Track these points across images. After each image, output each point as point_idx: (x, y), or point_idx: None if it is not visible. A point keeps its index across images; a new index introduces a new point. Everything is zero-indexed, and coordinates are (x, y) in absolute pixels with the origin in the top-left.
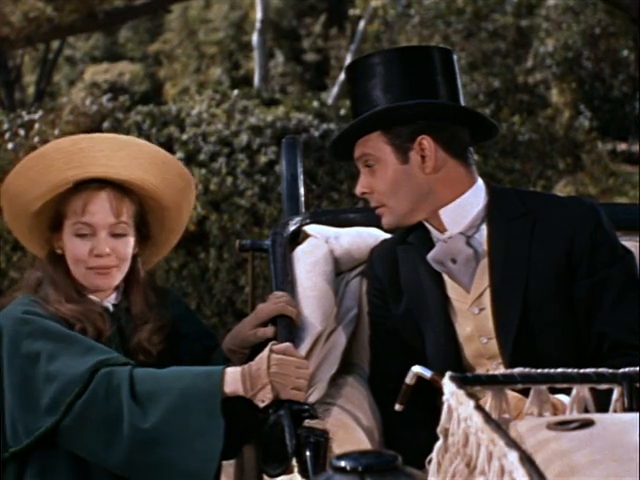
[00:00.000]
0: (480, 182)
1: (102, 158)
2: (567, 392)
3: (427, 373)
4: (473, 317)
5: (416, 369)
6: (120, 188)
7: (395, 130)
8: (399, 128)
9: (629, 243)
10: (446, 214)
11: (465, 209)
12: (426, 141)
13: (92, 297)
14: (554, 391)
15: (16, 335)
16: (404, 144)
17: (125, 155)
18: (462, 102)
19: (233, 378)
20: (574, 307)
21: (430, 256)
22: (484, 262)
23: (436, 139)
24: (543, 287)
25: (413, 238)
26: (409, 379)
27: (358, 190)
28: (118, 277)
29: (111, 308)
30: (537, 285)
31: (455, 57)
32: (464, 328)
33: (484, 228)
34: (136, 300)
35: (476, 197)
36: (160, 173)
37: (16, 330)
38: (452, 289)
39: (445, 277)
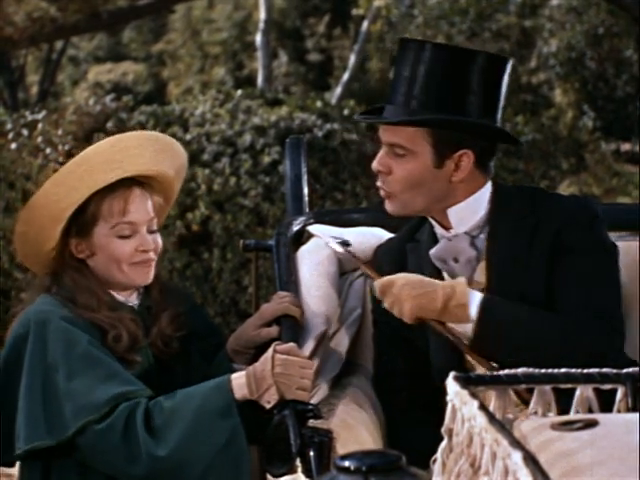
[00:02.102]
0: (489, 181)
1: (136, 157)
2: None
3: (340, 248)
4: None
5: (330, 242)
6: (145, 183)
7: (444, 134)
8: (448, 134)
9: (631, 243)
10: (454, 213)
11: (473, 209)
12: (466, 156)
13: (119, 297)
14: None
15: (44, 340)
16: (445, 150)
17: (153, 150)
18: (499, 115)
19: (239, 383)
20: None
21: (432, 253)
22: (484, 262)
23: (476, 155)
24: (540, 289)
25: (420, 235)
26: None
27: (375, 166)
28: (153, 273)
29: (136, 307)
30: (534, 287)
31: (509, 66)
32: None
33: (488, 229)
34: (153, 291)
35: (484, 197)
36: (175, 166)
37: (45, 334)
38: None
39: (445, 275)
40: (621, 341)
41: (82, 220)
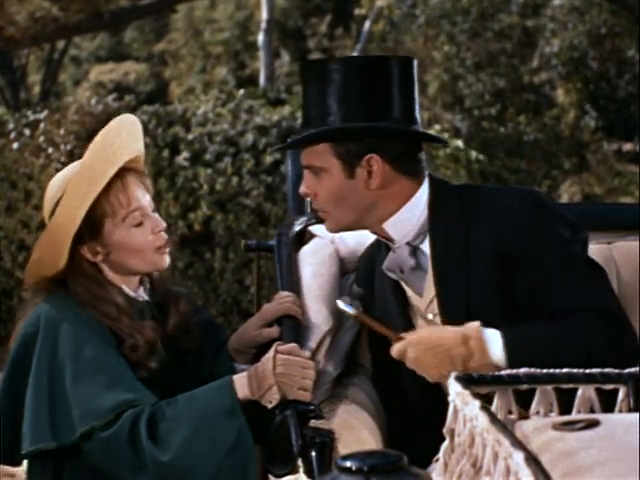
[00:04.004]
0: (425, 185)
1: (123, 146)
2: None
3: (350, 310)
4: (429, 323)
5: (340, 305)
6: (129, 167)
7: (345, 145)
8: (349, 144)
9: (631, 243)
10: (390, 227)
11: (407, 219)
12: (374, 160)
13: (131, 293)
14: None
15: (54, 340)
16: (352, 160)
17: (127, 133)
18: (417, 115)
19: (241, 384)
20: (518, 306)
21: (384, 265)
22: (431, 269)
23: (384, 158)
24: (483, 290)
25: (384, 244)
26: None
27: (302, 189)
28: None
29: (147, 302)
30: (478, 289)
31: (415, 65)
32: None
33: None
34: (159, 284)
35: (418, 204)
36: (142, 138)
37: (55, 335)
38: (410, 295)
39: (403, 285)
40: (632, 337)
41: (91, 223)
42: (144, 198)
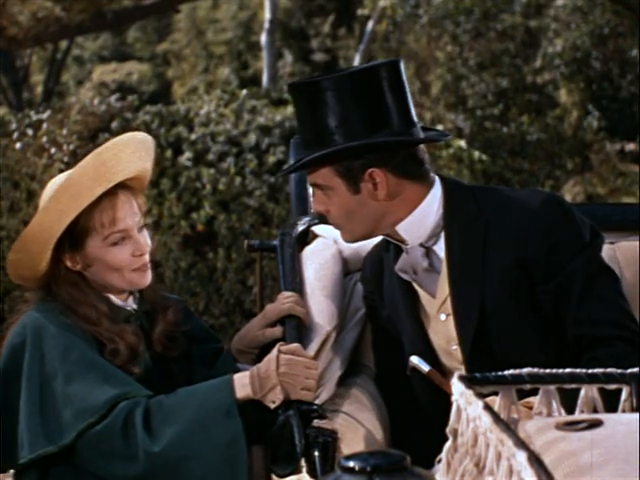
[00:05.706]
0: (437, 186)
1: (118, 165)
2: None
3: (425, 367)
4: (441, 323)
5: (414, 360)
6: (126, 185)
7: (345, 164)
8: (349, 162)
9: (631, 243)
10: (403, 229)
11: (421, 221)
12: (376, 174)
13: (118, 302)
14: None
15: (40, 348)
16: (354, 176)
17: (130, 153)
18: (414, 116)
19: (242, 383)
20: (538, 309)
21: (396, 267)
22: (444, 270)
23: (386, 169)
24: (498, 291)
25: (393, 245)
26: (408, 371)
27: (314, 208)
28: (150, 274)
29: (134, 311)
30: (493, 289)
31: (402, 66)
32: (435, 335)
33: (443, 236)
34: (149, 292)
35: (431, 205)
36: (150, 158)
37: (41, 343)
38: (422, 296)
39: (415, 284)
40: None
41: (74, 235)
42: (131, 219)
